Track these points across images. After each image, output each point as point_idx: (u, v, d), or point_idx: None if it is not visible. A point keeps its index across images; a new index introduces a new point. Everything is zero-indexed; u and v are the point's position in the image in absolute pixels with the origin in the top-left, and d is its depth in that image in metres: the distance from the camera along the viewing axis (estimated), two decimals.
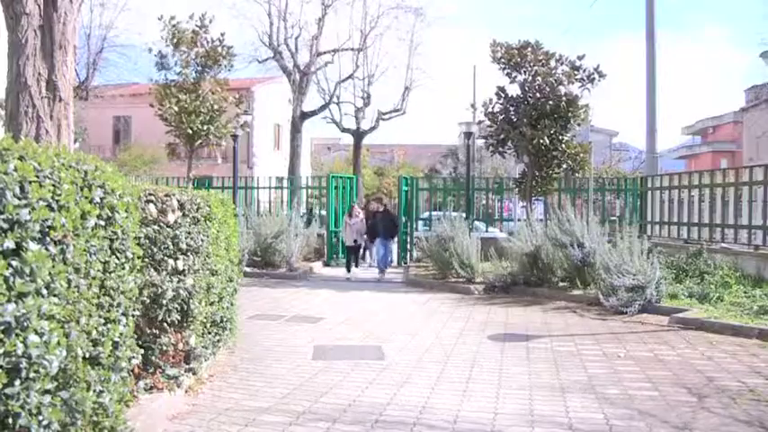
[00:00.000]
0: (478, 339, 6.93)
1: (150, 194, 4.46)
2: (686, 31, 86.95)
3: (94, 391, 2.80)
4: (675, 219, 13.10)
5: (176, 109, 14.87)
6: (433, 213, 15.98)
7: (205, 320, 5.19)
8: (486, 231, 15.93)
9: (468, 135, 14.68)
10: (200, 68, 15.26)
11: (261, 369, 5.56)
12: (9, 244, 2.02)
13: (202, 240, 4.94)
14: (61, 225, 2.33)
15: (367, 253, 15.66)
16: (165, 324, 4.52)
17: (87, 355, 2.73)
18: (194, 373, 4.88)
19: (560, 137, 12.60)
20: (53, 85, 4.45)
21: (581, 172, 13.71)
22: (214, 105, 15.29)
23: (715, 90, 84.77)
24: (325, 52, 28.65)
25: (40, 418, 2.19)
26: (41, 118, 4.40)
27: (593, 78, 12.64)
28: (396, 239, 14.89)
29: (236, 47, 16.45)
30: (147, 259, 4.26)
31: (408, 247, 15.64)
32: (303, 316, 8.33)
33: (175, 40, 14.95)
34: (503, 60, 12.83)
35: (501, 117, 12.97)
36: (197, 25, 15.19)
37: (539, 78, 12.54)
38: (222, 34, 15.51)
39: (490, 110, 13.13)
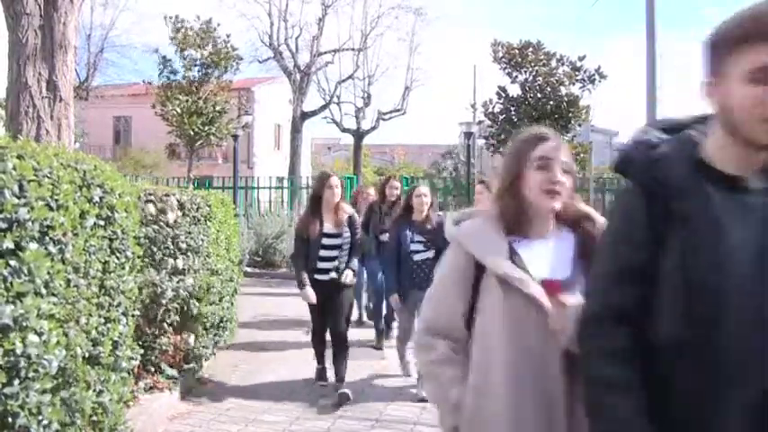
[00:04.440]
0: None
1: (150, 194, 4.46)
2: (705, 27, 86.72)
3: (94, 390, 2.79)
4: None
5: (179, 110, 14.87)
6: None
7: (205, 320, 5.19)
8: None
9: (469, 135, 14.68)
10: (205, 70, 15.27)
11: (261, 369, 5.55)
12: (8, 243, 2.01)
13: (202, 240, 4.94)
14: (60, 224, 2.33)
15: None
16: (165, 324, 4.51)
17: (87, 355, 2.72)
18: (194, 374, 4.88)
19: (561, 137, 12.63)
20: (53, 86, 4.45)
21: (581, 172, 13.71)
22: (216, 107, 15.30)
23: None
24: (325, 52, 28.65)
25: (40, 417, 2.19)
26: (42, 118, 4.40)
27: (594, 79, 12.66)
28: None
29: (238, 47, 16.48)
30: (146, 259, 4.25)
31: None
32: (304, 316, 8.31)
33: (181, 41, 14.95)
34: (504, 60, 12.85)
35: (502, 117, 12.98)
36: (204, 26, 15.21)
37: (539, 78, 12.55)
38: (228, 35, 15.55)
39: (491, 110, 13.14)
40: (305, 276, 4.67)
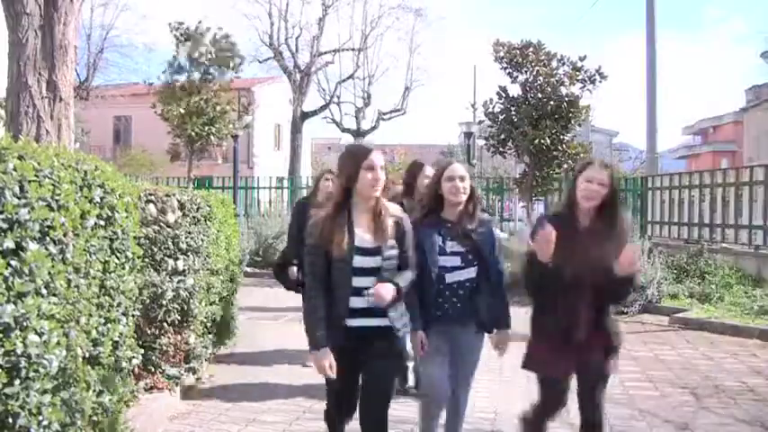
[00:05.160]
0: None
1: (150, 194, 4.46)
2: (705, 27, 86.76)
3: (94, 390, 2.80)
4: (676, 219, 13.07)
5: (182, 111, 14.89)
6: None
7: (205, 320, 5.19)
8: None
9: (469, 135, 14.69)
10: (207, 70, 15.31)
11: (261, 369, 5.55)
12: (9, 244, 2.02)
13: (202, 240, 4.94)
14: (61, 225, 2.33)
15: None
16: (165, 324, 4.52)
17: (87, 355, 2.73)
18: (194, 373, 4.88)
19: (561, 137, 12.61)
20: (53, 86, 4.45)
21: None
22: (217, 107, 15.32)
23: (715, 90, 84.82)
24: (325, 52, 28.70)
25: (40, 417, 2.19)
26: (42, 118, 4.40)
27: (595, 80, 12.65)
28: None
29: (239, 47, 16.58)
30: (147, 259, 4.26)
31: None
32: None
33: (185, 43, 15.03)
34: (504, 60, 12.83)
35: (502, 117, 12.97)
36: (209, 31, 15.33)
37: (540, 78, 12.54)
38: (229, 35, 15.64)
39: (491, 110, 13.13)
40: (321, 326, 2.68)
